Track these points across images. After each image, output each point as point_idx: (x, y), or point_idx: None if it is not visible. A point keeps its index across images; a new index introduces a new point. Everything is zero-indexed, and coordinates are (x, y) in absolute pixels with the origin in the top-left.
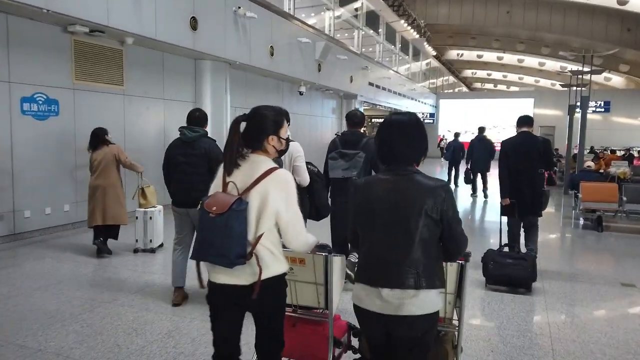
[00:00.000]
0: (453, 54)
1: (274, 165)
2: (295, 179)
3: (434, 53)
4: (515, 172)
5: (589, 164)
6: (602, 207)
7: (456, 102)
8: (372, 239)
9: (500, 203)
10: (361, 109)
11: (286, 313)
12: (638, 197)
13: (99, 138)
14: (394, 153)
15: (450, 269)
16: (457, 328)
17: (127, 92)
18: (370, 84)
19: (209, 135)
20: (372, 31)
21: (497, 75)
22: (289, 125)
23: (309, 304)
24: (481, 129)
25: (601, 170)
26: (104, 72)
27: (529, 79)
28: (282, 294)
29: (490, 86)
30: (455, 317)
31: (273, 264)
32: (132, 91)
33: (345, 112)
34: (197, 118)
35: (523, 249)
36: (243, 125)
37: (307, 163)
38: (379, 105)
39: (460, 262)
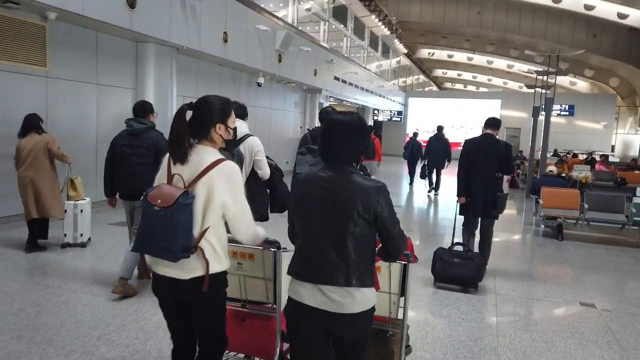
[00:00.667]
0: (424, 52)
1: (220, 156)
2: (257, 173)
3: (405, 51)
4: (474, 172)
5: (551, 168)
6: (562, 215)
7: (425, 101)
8: (306, 234)
9: (457, 201)
10: (326, 104)
11: (235, 308)
12: (600, 204)
13: (31, 125)
14: (334, 152)
15: (394, 269)
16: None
17: (51, 74)
18: (336, 78)
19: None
20: (340, 24)
21: (467, 75)
22: (247, 118)
23: (258, 299)
24: (440, 127)
25: (564, 174)
26: (22, 50)
27: (497, 81)
28: (218, 292)
29: (460, 86)
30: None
31: (213, 261)
32: (57, 73)
33: (309, 106)
34: (142, 110)
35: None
36: (189, 114)
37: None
38: (345, 101)
39: (402, 262)
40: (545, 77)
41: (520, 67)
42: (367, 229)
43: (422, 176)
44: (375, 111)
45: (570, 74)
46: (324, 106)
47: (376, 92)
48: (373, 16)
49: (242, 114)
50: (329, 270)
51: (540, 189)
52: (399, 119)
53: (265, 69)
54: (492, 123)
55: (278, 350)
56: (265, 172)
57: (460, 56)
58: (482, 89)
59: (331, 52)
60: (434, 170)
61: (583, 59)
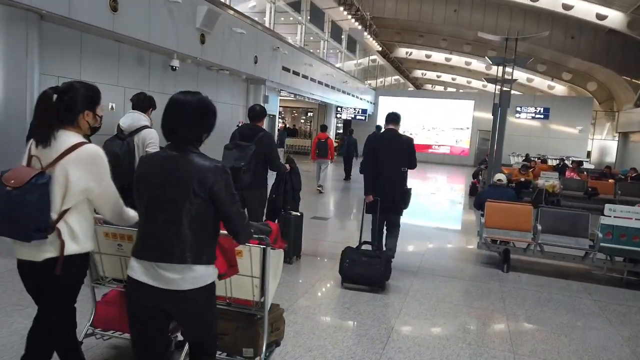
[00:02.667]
0: (402, 52)
1: (81, 140)
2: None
3: (379, 48)
4: (379, 169)
5: (500, 176)
6: (509, 238)
7: (397, 100)
8: (145, 212)
9: (364, 200)
10: (276, 99)
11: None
12: (558, 225)
13: None
14: (172, 131)
15: (254, 253)
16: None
17: None
18: (286, 69)
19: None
20: (291, 10)
21: (446, 77)
22: (151, 110)
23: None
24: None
25: (525, 181)
26: None
27: (476, 83)
28: (73, 274)
29: (440, 88)
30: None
31: (70, 243)
32: None
33: (252, 98)
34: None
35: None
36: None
37: None
38: (299, 95)
39: (261, 246)
40: (500, 69)
41: (498, 69)
42: (205, 208)
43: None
44: (339, 109)
45: (547, 77)
46: (256, 103)
47: (339, 89)
48: (341, 8)
49: (143, 105)
50: (163, 248)
51: (485, 202)
52: (363, 118)
53: (181, 50)
54: (393, 118)
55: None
56: None
57: (438, 56)
58: (461, 92)
59: (277, 39)
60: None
61: (561, 62)
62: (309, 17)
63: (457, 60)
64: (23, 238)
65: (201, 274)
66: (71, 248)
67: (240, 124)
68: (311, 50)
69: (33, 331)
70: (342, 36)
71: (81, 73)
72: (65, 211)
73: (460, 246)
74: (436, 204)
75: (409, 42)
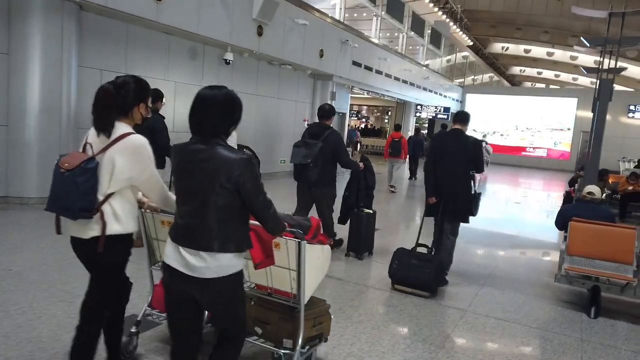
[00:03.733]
0: (497, 47)
1: (129, 130)
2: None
3: (470, 43)
4: (441, 170)
5: (591, 189)
6: (600, 272)
7: (487, 98)
8: (178, 199)
9: (425, 202)
10: (347, 96)
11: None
12: None
13: None
14: (199, 124)
15: (290, 247)
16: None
17: None
18: (357, 64)
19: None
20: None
21: (548, 74)
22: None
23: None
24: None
25: (631, 191)
26: None
27: (584, 80)
28: (117, 253)
29: (542, 87)
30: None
31: (112, 224)
32: None
33: (320, 95)
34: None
35: None
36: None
37: (243, 147)
38: (373, 92)
39: (296, 240)
40: (602, 55)
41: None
42: (231, 199)
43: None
44: (419, 107)
45: None
46: (326, 102)
47: (419, 85)
48: (426, 0)
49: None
50: (191, 235)
51: (569, 223)
52: (445, 117)
53: (236, 42)
54: (462, 118)
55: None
56: None
57: (538, 51)
58: (562, 89)
59: (347, 30)
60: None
61: None
62: (384, 10)
63: (561, 54)
64: (69, 216)
65: (226, 263)
66: (113, 228)
67: (306, 122)
68: (387, 44)
69: (85, 302)
70: (425, 30)
71: (127, 66)
72: (110, 195)
73: (537, 273)
74: (519, 215)
75: (505, 36)
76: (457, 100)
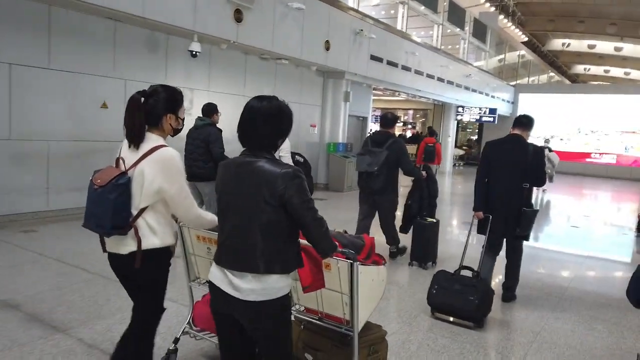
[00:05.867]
0: (557, 43)
1: (161, 143)
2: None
3: (525, 38)
4: (494, 181)
5: None
6: None
7: (543, 98)
8: (222, 219)
9: (472, 216)
10: (369, 96)
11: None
12: None
13: None
14: (246, 137)
15: (342, 269)
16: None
17: None
18: (376, 58)
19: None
20: None
21: (617, 72)
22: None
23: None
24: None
25: None
26: None
27: None
28: (156, 268)
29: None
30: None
31: (148, 237)
32: None
33: (332, 96)
34: (206, 110)
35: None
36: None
37: (295, 153)
38: (402, 92)
39: (347, 261)
40: None
41: None
42: (277, 216)
43: None
44: (460, 109)
45: None
46: (387, 111)
47: (459, 84)
48: None
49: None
50: (235, 255)
51: None
52: (491, 119)
53: (202, 29)
54: (522, 122)
55: None
56: None
57: (604, 46)
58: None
59: (359, 18)
60: None
61: None
62: None
63: (631, 49)
64: (103, 233)
65: (273, 286)
66: (151, 242)
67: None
68: (415, 36)
69: (124, 335)
70: (467, 21)
71: (50, 60)
72: (144, 209)
73: (617, 309)
74: (590, 232)
75: (565, 30)
76: (507, 101)
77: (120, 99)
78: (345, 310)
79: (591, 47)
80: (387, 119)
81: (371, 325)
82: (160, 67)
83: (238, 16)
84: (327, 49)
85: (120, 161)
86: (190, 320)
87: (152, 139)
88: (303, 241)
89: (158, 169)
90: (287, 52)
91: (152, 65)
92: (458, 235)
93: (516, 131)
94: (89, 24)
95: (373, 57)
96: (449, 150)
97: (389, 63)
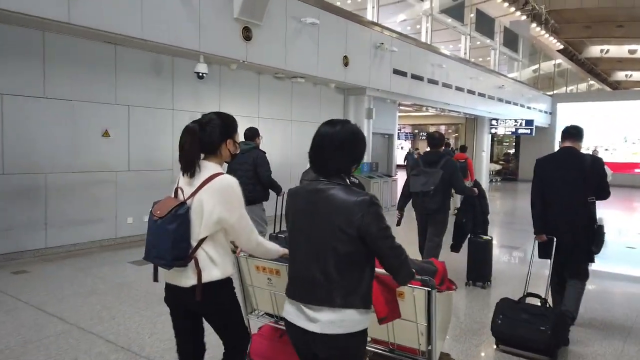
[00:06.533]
0: (595, 50)
1: (218, 170)
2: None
3: (560, 46)
4: (554, 200)
5: None
6: None
7: (584, 106)
8: (293, 250)
9: (534, 240)
10: (395, 112)
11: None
12: None
13: None
14: (318, 163)
15: (418, 297)
16: None
17: None
18: (399, 72)
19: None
20: None
21: None
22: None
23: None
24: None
25: None
26: None
27: None
28: (221, 299)
29: None
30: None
31: (210, 269)
32: None
33: (354, 113)
34: (249, 134)
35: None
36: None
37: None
38: (430, 107)
39: (426, 289)
40: None
41: None
42: (353, 246)
43: None
44: (494, 122)
45: None
46: (433, 131)
47: (491, 96)
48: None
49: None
50: (311, 289)
51: None
52: (527, 131)
53: (207, 49)
54: (572, 133)
55: None
56: None
57: None
58: None
59: (378, 31)
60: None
61: None
62: (437, 10)
63: None
64: (163, 265)
65: (353, 318)
66: (212, 274)
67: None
68: (441, 48)
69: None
70: (497, 30)
71: (45, 89)
72: (203, 239)
73: None
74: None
75: (603, 36)
76: (545, 112)
77: (124, 126)
78: (420, 341)
79: (632, 52)
80: (435, 138)
81: (442, 354)
82: (167, 91)
83: (247, 34)
84: (346, 64)
85: (179, 191)
86: (249, 355)
87: (209, 167)
88: (377, 269)
89: (217, 198)
90: (302, 70)
91: (157, 89)
92: (505, 254)
93: (567, 143)
94: (86, 49)
95: (396, 71)
96: (484, 166)
97: (414, 77)
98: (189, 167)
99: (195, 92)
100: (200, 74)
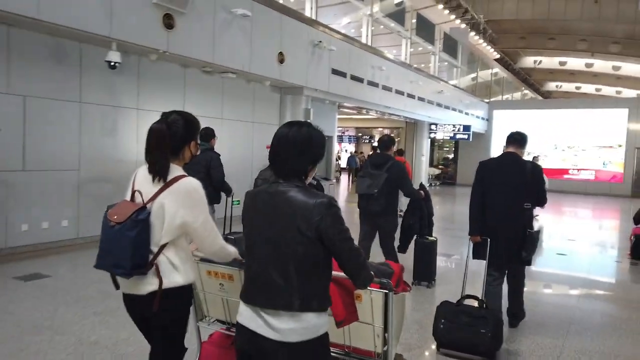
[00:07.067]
0: (529, 60)
1: (181, 172)
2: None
3: (497, 56)
4: (492, 203)
5: None
6: None
7: (518, 114)
8: (250, 252)
9: (469, 241)
10: (334, 115)
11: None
12: None
13: None
14: (278, 165)
15: (375, 299)
16: None
17: None
18: (338, 72)
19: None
20: None
21: (588, 88)
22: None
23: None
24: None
25: None
26: None
27: (629, 93)
28: (179, 307)
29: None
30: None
31: (171, 275)
32: None
33: (290, 113)
34: (204, 134)
35: None
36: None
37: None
38: (369, 109)
39: (383, 291)
40: None
41: None
42: (313, 248)
43: None
44: (433, 126)
45: None
46: (384, 134)
47: (430, 100)
48: (440, 6)
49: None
50: (268, 293)
51: None
52: (465, 136)
53: (120, 35)
54: (516, 139)
55: None
56: None
57: (575, 63)
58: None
59: (317, 29)
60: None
61: None
62: (376, 10)
63: (602, 65)
64: (122, 274)
65: (312, 324)
66: (174, 280)
67: (356, 157)
68: (381, 50)
69: None
70: (437, 36)
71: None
72: (165, 245)
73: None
74: (580, 259)
75: (536, 47)
76: (482, 118)
77: (18, 119)
78: (376, 343)
79: (562, 63)
80: (384, 141)
81: (396, 355)
82: (72, 80)
83: (168, 22)
84: (282, 61)
85: (137, 194)
86: None
87: (171, 170)
88: (335, 272)
89: (181, 202)
90: (232, 65)
91: (61, 78)
92: (444, 255)
93: (510, 149)
94: None
95: (335, 72)
96: (424, 170)
97: (354, 78)
98: (162, 171)
99: (108, 83)
100: (112, 63)
